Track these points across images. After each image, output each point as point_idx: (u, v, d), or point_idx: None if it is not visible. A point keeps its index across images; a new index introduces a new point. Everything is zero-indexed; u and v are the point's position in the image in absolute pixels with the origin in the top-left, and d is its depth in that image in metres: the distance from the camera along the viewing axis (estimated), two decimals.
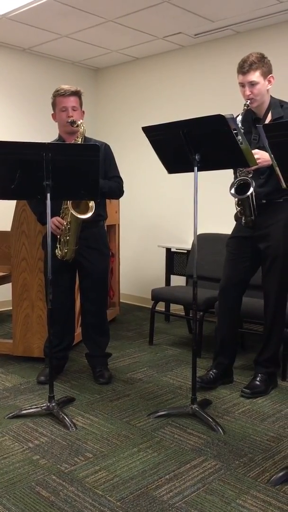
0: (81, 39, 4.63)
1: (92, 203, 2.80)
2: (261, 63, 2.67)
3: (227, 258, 2.98)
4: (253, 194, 2.69)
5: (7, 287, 3.70)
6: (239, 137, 2.36)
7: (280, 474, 2.03)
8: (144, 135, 2.55)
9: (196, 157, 2.45)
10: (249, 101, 2.68)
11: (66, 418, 2.52)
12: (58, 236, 2.91)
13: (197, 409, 2.57)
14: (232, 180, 2.76)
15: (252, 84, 2.67)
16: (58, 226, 2.88)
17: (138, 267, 5.37)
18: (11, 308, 3.51)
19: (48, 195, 2.50)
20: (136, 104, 5.31)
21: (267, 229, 2.79)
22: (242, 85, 2.72)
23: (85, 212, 2.81)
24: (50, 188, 2.49)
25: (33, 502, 1.89)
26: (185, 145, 2.44)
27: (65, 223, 2.86)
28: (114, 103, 5.55)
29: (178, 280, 4.70)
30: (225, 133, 2.31)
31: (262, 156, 2.59)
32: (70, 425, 2.48)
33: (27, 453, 2.24)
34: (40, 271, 3.31)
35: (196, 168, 2.47)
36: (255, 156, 2.53)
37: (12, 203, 3.35)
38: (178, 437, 2.39)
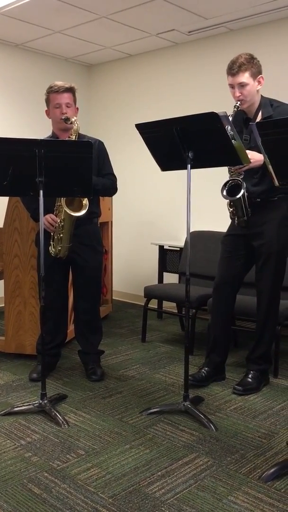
0: (75, 35, 4.60)
1: (85, 201, 2.79)
2: (250, 64, 2.68)
3: (221, 255, 2.99)
4: (245, 195, 2.70)
5: (0, 284, 3.68)
6: (233, 135, 2.36)
7: (272, 470, 2.05)
8: (138, 132, 2.55)
9: (189, 154, 2.45)
10: (239, 102, 2.69)
11: (58, 415, 2.52)
12: (52, 234, 2.90)
13: (189, 406, 2.58)
14: (225, 178, 2.76)
15: (242, 85, 2.68)
16: (51, 223, 2.87)
17: (131, 265, 5.37)
18: (3, 305, 3.50)
19: (41, 192, 2.49)
20: (129, 101, 5.30)
21: (261, 227, 2.80)
22: (232, 86, 2.72)
23: (78, 210, 2.80)
24: (43, 185, 2.48)
25: (25, 499, 1.88)
26: (179, 143, 2.44)
27: (58, 221, 2.85)
28: (107, 99, 5.53)
29: (170, 278, 4.71)
30: (218, 131, 2.32)
31: (253, 157, 2.60)
32: (62, 422, 2.48)
33: (19, 450, 2.24)
34: (32, 268, 3.30)
35: (189, 165, 2.47)
36: None
37: (5, 200, 3.33)
38: (170, 434, 2.40)
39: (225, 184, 2.71)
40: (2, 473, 2.05)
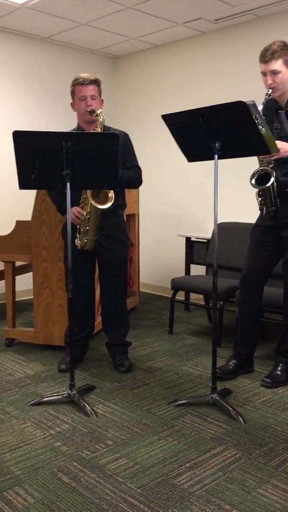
0: (100, 26, 4.59)
1: (111, 193, 2.79)
2: (284, 51, 2.63)
3: (249, 247, 2.95)
4: (274, 184, 2.65)
5: (29, 276, 3.73)
6: (260, 123, 2.32)
7: None
8: (164, 123, 2.53)
9: (217, 145, 2.42)
10: (270, 90, 2.64)
11: (87, 406, 2.55)
12: (78, 226, 2.92)
13: (217, 398, 2.57)
14: (253, 168, 2.72)
15: (274, 73, 2.63)
16: (77, 216, 2.88)
17: (158, 257, 5.36)
18: (32, 297, 3.54)
19: (68, 184, 2.50)
20: (155, 92, 5.27)
21: None
22: (264, 74, 2.68)
23: (104, 202, 2.80)
24: (69, 178, 2.50)
25: (54, 487, 1.91)
26: (205, 133, 2.41)
27: (84, 213, 2.87)
28: (133, 91, 5.51)
29: (198, 269, 4.68)
30: (246, 120, 2.28)
31: (282, 146, 2.55)
32: (91, 412, 2.51)
33: (48, 440, 2.27)
34: (60, 260, 3.33)
35: (216, 156, 2.44)
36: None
37: (33, 193, 3.36)
38: (198, 426, 2.40)
39: (254, 173, 2.67)
40: (32, 462, 2.09)
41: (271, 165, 2.64)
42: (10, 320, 3.59)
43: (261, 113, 2.53)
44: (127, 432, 2.35)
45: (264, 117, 2.48)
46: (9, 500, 1.83)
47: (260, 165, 2.68)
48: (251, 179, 2.66)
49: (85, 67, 5.12)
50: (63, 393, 2.67)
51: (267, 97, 2.63)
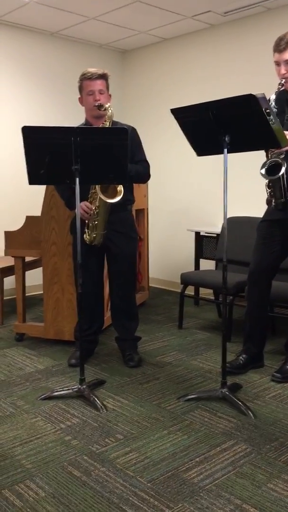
0: (109, 21, 4.58)
1: (120, 187, 2.79)
2: None
3: (257, 242, 2.93)
4: (285, 176, 2.63)
5: (38, 271, 3.75)
6: (271, 117, 2.29)
7: None
8: (173, 117, 2.52)
9: (226, 138, 2.40)
10: (283, 80, 2.61)
11: (97, 400, 2.56)
12: (87, 221, 2.92)
13: (227, 393, 2.56)
14: (263, 161, 2.69)
15: None
16: (86, 211, 2.88)
17: (167, 251, 5.35)
18: (42, 292, 3.56)
19: (77, 179, 2.50)
20: (164, 86, 5.24)
21: None
22: (278, 63, 2.64)
23: (113, 196, 2.80)
24: (78, 173, 2.50)
25: (65, 481, 1.93)
26: (215, 127, 2.39)
27: (93, 208, 2.87)
28: (141, 85, 5.49)
29: (207, 264, 4.67)
30: (256, 113, 2.26)
31: None
32: (101, 407, 2.52)
33: (59, 434, 2.29)
34: (70, 255, 3.33)
35: (226, 150, 2.43)
36: None
37: (42, 188, 3.37)
38: (208, 421, 2.40)
39: (264, 163, 2.65)
40: (43, 456, 2.11)
41: (282, 156, 2.61)
42: (20, 315, 3.61)
43: (273, 103, 2.50)
44: (137, 426, 2.36)
45: (276, 108, 2.46)
46: (21, 494, 1.85)
47: (271, 156, 2.65)
48: (261, 169, 2.64)
49: (93, 61, 5.11)
50: (73, 387, 2.68)
51: (280, 87, 2.60)
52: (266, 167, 2.63)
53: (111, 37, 5.07)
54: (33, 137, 2.49)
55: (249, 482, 1.91)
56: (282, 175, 2.60)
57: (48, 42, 5.02)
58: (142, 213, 4.52)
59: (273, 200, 2.74)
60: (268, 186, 2.74)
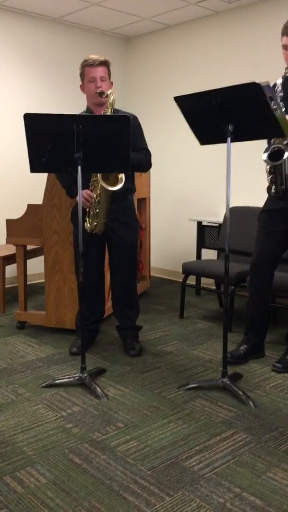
0: (112, 7, 4.52)
1: (122, 175, 2.77)
2: None
3: (258, 232, 2.92)
4: (287, 162, 2.61)
5: (40, 259, 3.75)
6: (275, 106, 2.27)
7: None
8: (176, 105, 2.49)
9: (229, 127, 2.38)
10: None
11: (98, 389, 2.57)
12: (88, 209, 2.91)
13: (227, 382, 2.57)
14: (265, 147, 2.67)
15: None
16: (87, 199, 2.87)
17: (169, 241, 5.34)
18: (43, 280, 3.56)
19: (79, 167, 2.49)
20: (167, 73, 5.19)
21: None
22: (285, 47, 2.60)
23: (114, 184, 2.78)
24: (81, 161, 2.48)
25: (66, 468, 1.94)
26: (218, 115, 2.37)
27: (94, 196, 2.85)
28: (145, 72, 5.44)
29: (209, 254, 4.66)
30: (260, 102, 2.23)
31: None
32: (102, 395, 2.53)
33: (60, 421, 2.30)
34: (71, 244, 3.33)
35: (229, 139, 2.41)
36: None
37: (44, 176, 3.36)
38: (209, 410, 2.40)
39: (267, 149, 2.62)
40: (44, 443, 2.12)
41: (285, 142, 2.59)
42: (22, 303, 3.61)
43: (279, 88, 2.46)
44: (137, 414, 2.37)
45: (282, 92, 2.43)
46: (22, 480, 1.86)
47: (273, 142, 2.63)
48: (263, 154, 2.61)
49: (96, 48, 5.06)
50: (74, 375, 2.69)
51: (287, 71, 2.56)
52: (268, 152, 2.60)
53: (114, 23, 5.01)
54: (35, 125, 2.47)
55: (248, 471, 1.92)
56: (284, 162, 2.58)
57: (50, 28, 4.96)
58: (144, 202, 4.50)
59: (273, 187, 2.72)
60: (270, 172, 2.71)
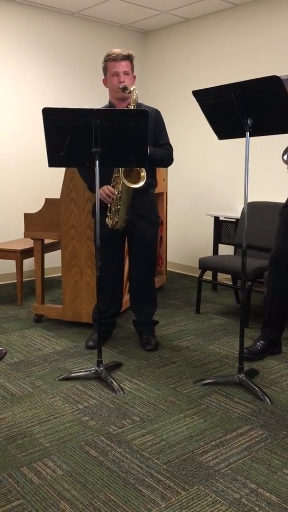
0: (130, 0, 4.50)
1: (143, 173, 2.76)
2: None
3: (279, 227, 2.90)
4: None
5: (57, 253, 3.77)
6: None
7: None
8: (194, 99, 2.48)
9: (248, 121, 2.36)
10: None
11: (114, 382, 2.58)
12: (109, 205, 2.91)
13: (244, 378, 2.56)
14: (286, 145, 2.65)
15: None
16: (109, 195, 2.86)
17: (186, 236, 5.33)
18: (60, 274, 3.58)
19: (97, 162, 2.49)
20: (186, 67, 5.16)
21: None
22: None
23: (136, 181, 2.77)
24: (99, 155, 2.48)
25: (82, 460, 1.96)
26: (237, 109, 2.35)
27: (116, 192, 2.85)
28: (163, 66, 5.42)
29: (226, 249, 4.64)
30: (280, 96, 2.21)
31: None
32: (118, 389, 2.54)
33: (76, 414, 2.32)
34: (88, 238, 3.34)
35: (248, 133, 2.39)
36: None
37: (62, 171, 3.37)
38: (225, 405, 2.40)
39: (287, 148, 2.60)
40: (61, 435, 2.14)
41: None
42: (39, 297, 3.64)
43: None
44: (153, 409, 2.37)
45: None
46: (39, 471, 1.88)
47: None
48: (283, 155, 2.59)
49: (114, 42, 5.04)
50: (90, 369, 2.71)
51: None
52: None
53: (132, 17, 4.99)
54: (54, 119, 2.48)
55: (264, 467, 1.91)
56: None
57: (68, 23, 4.97)
58: (161, 197, 4.49)
59: None
60: None
